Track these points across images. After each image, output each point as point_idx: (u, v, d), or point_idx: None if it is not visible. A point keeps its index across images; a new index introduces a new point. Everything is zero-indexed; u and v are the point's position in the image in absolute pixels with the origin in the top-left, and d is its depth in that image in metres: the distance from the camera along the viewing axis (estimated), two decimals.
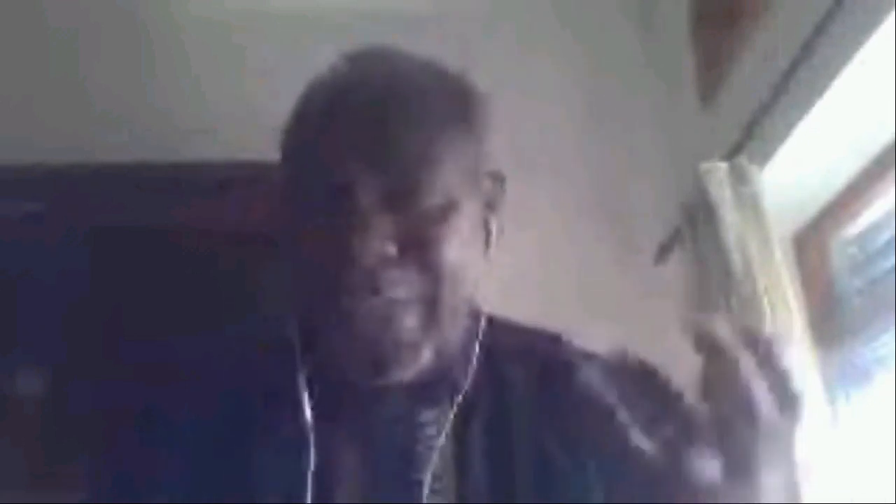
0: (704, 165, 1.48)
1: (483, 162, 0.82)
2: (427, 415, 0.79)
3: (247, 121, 1.87)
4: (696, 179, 1.49)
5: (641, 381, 0.65)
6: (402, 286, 0.74)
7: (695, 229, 1.55)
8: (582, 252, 1.87)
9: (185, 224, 1.76)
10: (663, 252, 1.76)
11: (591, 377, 0.80)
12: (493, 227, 0.84)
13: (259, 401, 0.82)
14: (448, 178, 0.76)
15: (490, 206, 0.83)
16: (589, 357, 0.84)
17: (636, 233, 1.87)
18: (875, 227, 1.52)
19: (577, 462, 0.78)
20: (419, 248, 0.75)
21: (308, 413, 0.78)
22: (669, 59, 1.95)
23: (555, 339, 0.88)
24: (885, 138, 1.41)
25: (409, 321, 0.75)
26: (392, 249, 0.74)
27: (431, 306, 0.76)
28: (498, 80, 1.92)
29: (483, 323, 0.85)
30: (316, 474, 0.76)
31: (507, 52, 1.97)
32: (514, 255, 1.82)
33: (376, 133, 0.75)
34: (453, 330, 0.81)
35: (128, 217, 1.77)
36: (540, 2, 2.05)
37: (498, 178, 0.85)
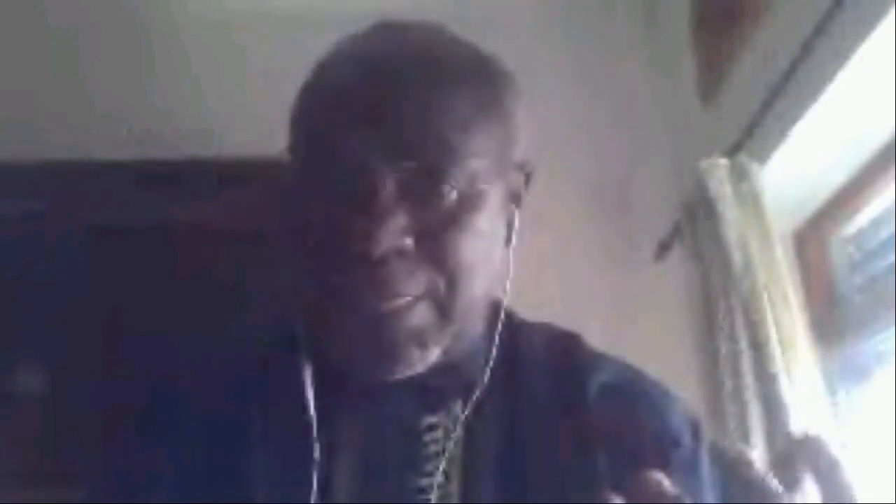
0: (705, 162, 1.49)
1: (512, 150, 0.75)
2: (432, 418, 0.76)
3: (247, 120, 1.88)
4: (697, 176, 1.49)
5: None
6: (415, 283, 0.69)
7: (695, 226, 1.55)
8: (582, 249, 1.87)
9: (185, 222, 1.76)
10: (663, 249, 1.76)
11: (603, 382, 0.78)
12: (516, 221, 0.78)
13: (262, 399, 0.82)
14: (474, 166, 0.69)
15: (514, 197, 0.77)
16: (605, 359, 0.82)
17: (636, 230, 1.88)
18: (875, 224, 1.52)
19: (589, 464, 0.74)
20: (437, 242, 0.69)
21: (312, 409, 0.75)
22: (670, 58, 1.96)
23: (574, 341, 0.84)
24: (884, 136, 1.42)
25: (419, 318, 0.70)
26: (409, 242, 0.68)
27: (444, 304, 0.71)
28: None
29: (501, 321, 0.79)
30: (319, 473, 0.73)
31: (509, 52, 1.97)
32: (513, 251, 1.84)
33: (398, 113, 0.68)
34: (467, 328, 0.76)
35: (128, 215, 1.77)
36: (540, 1, 2.06)
37: (526, 169, 0.78)
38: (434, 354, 0.73)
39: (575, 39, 2.04)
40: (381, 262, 0.67)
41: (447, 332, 0.72)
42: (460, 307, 0.72)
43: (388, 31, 0.76)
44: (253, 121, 1.88)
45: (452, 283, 0.70)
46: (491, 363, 0.77)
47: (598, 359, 0.82)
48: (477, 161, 0.70)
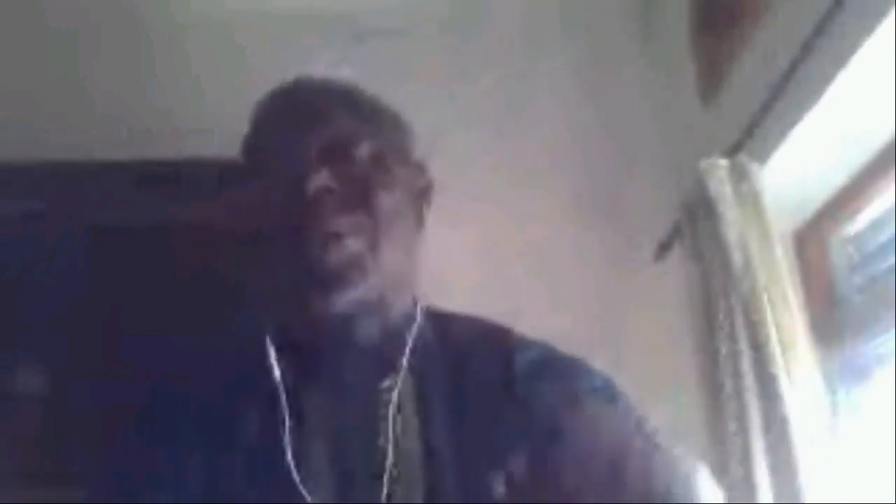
0: (705, 162, 1.49)
1: (407, 146, 1.00)
2: (385, 381, 0.90)
3: (247, 120, 1.87)
4: (697, 177, 1.49)
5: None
6: (343, 220, 0.89)
7: (695, 226, 1.55)
8: (582, 249, 1.87)
9: (185, 222, 1.76)
10: (663, 249, 1.76)
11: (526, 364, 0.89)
12: (425, 216, 1.00)
13: (261, 396, 0.84)
14: (374, 140, 0.95)
15: (421, 194, 1.00)
16: (533, 342, 0.96)
17: (636, 230, 1.88)
18: (875, 225, 1.52)
19: (521, 439, 0.87)
20: (358, 188, 0.91)
21: (278, 375, 0.89)
22: (670, 58, 1.96)
23: (503, 329, 0.98)
24: (884, 137, 1.42)
25: (353, 245, 0.89)
26: (333, 184, 0.90)
27: (372, 236, 0.90)
28: (502, 80, 1.94)
29: (422, 307, 0.97)
30: (293, 438, 0.85)
31: (511, 53, 1.97)
32: (514, 251, 1.84)
33: (319, 112, 0.95)
34: (396, 285, 0.93)
35: (128, 215, 1.77)
36: (541, 1, 2.06)
37: (422, 170, 1.01)
38: (372, 279, 0.89)
39: (575, 39, 2.04)
40: (314, 199, 0.88)
41: (376, 264, 0.90)
42: (385, 242, 0.90)
43: (311, 79, 1.02)
44: None
45: (376, 221, 0.90)
46: (417, 325, 0.94)
47: (526, 341, 0.97)
48: (378, 140, 0.95)
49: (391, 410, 0.88)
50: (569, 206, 1.92)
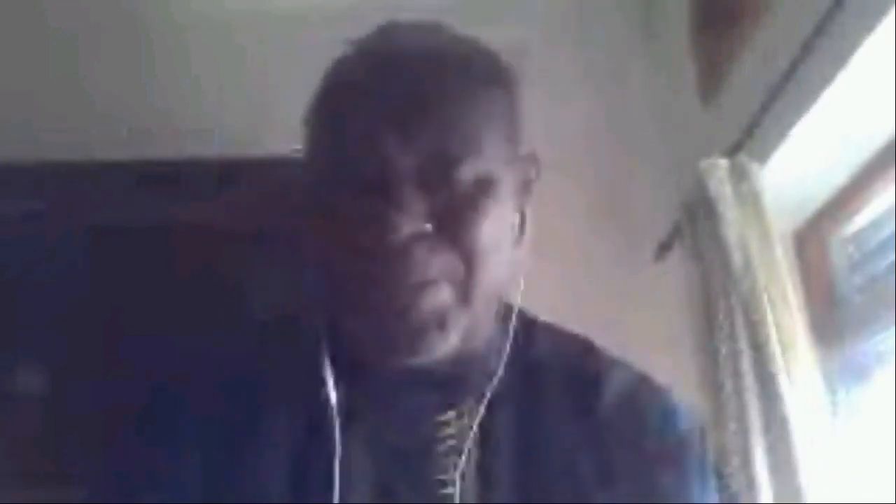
0: (705, 162, 1.49)
1: (517, 141, 0.79)
2: (449, 413, 0.78)
3: (247, 120, 1.88)
4: (697, 176, 1.49)
5: None
6: (435, 265, 0.72)
7: (695, 226, 1.55)
8: (582, 249, 1.87)
9: (185, 222, 1.76)
10: (663, 249, 1.76)
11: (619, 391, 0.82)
12: (528, 212, 0.81)
13: (267, 396, 0.82)
14: (484, 153, 0.74)
15: (525, 188, 0.81)
16: (619, 366, 0.85)
17: (637, 230, 1.88)
18: (875, 225, 1.52)
19: (602, 476, 0.78)
20: (455, 225, 0.72)
21: (333, 401, 0.77)
22: (671, 58, 1.96)
23: (587, 346, 0.87)
24: (884, 136, 1.42)
25: (440, 299, 0.72)
26: (427, 227, 0.71)
27: (463, 286, 0.73)
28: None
29: (514, 321, 0.82)
30: (339, 466, 0.75)
31: (512, 54, 1.97)
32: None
33: (411, 106, 0.73)
34: (484, 318, 0.78)
35: (128, 215, 1.77)
36: (541, 2, 2.06)
37: (533, 161, 0.82)
38: (453, 339, 0.74)
39: (575, 40, 2.04)
40: (402, 247, 0.70)
41: (466, 317, 0.74)
42: (479, 291, 0.74)
43: (399, 31, 0.79)
44: (253, 121, 1.89)
45: (470, 267, 0.73)
46: (504, 361, 0.79)
47: (612, 365, 0.85)
48: (487, 150, 0.74)
49: (460, 443, 0.76)
50: (569, 205, 1.92)
